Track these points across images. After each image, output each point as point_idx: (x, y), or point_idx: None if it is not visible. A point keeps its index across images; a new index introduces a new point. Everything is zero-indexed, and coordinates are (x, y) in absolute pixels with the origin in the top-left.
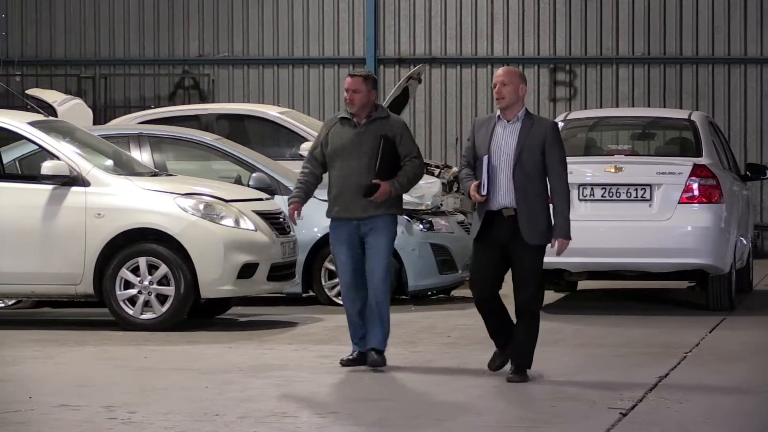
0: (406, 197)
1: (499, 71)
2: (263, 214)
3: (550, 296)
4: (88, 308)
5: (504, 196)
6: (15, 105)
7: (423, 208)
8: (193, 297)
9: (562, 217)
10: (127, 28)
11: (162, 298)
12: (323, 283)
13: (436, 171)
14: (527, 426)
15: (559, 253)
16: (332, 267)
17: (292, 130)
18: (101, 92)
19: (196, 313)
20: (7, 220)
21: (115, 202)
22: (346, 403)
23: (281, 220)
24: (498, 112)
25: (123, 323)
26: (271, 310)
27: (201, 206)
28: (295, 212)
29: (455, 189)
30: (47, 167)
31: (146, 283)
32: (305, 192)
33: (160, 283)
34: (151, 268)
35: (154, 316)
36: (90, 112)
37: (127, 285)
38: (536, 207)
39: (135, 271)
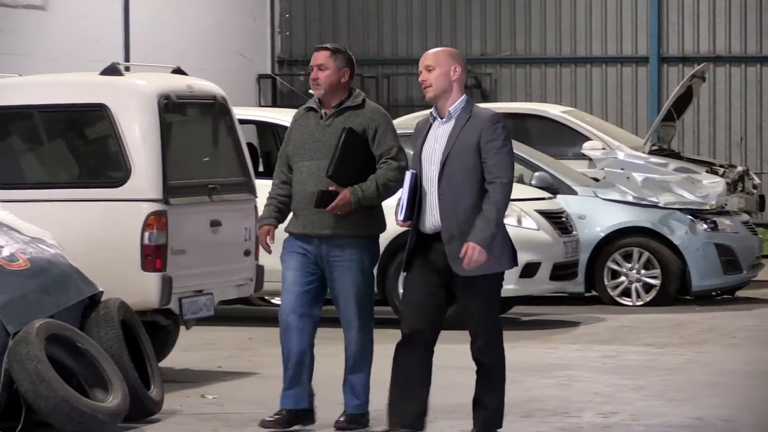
0: (689, 196)
1: (427, 53)
2: (546, 213)
3: None
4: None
5: (436, 215)
6: (299, 104)
7: (707, 207)
8: None
9: (485, 220)
10: (409, 27)
11: None
12: (606, 282)
13: (720, 170)
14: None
15: (467, 266)
16: (615, 266)
17: (575, 129)
18: (384, 92)
19: None
20: None
21: None
22: (629, 404)
23: (564, 219)
24: (434, 111)
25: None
26: (553, 310)
27: None
28: (267, 237)
29: (740, 189)
30: None
31: None
32: (278, 210)
33: None
34: None
35: None
36: None
37: None
38: (469, 227)
39: None
